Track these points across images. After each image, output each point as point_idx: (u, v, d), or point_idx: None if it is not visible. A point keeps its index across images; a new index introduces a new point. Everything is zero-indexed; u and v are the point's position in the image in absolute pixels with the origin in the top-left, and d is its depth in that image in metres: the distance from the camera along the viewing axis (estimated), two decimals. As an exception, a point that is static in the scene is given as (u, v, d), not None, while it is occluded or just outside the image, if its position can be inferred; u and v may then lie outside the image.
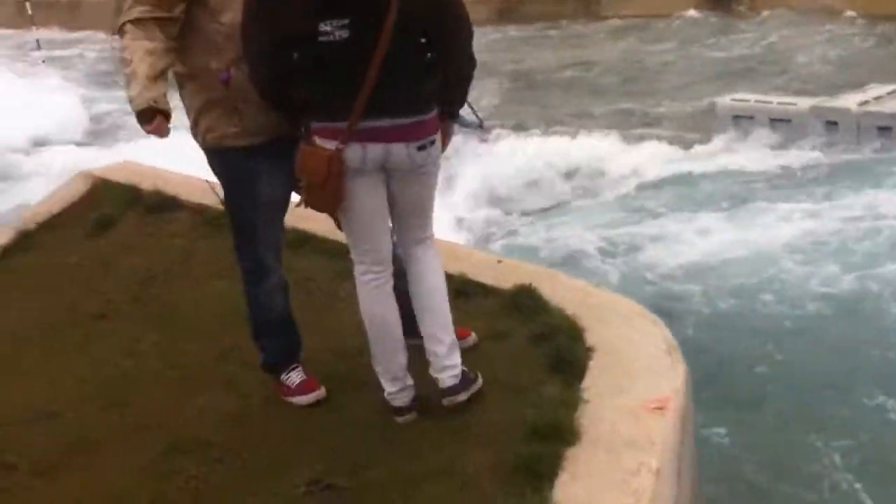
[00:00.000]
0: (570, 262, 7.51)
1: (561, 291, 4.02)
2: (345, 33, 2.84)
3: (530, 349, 3.62)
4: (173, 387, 3.73)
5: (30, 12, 17.67)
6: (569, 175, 10.21)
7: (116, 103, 13.64)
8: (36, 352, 4.22)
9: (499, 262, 4.41)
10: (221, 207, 5.05)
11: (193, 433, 3.31)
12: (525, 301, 3.92)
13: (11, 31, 21.51)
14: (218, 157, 3.20)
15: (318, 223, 4.08)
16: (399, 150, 3.00)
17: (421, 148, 3.02)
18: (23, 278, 4.97)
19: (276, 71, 2.94)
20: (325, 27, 2.84)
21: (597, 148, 10.31)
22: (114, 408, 3.62)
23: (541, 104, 13.26)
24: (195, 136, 3.23)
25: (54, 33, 19.88)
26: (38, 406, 3.75)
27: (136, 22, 2.98)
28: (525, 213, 9.44)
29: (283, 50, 2.90)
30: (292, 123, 3.03)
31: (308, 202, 3.06)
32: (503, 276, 4.19)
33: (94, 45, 20.04)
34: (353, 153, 2.97)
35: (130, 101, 3.02)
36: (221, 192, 5.21)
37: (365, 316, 3.22)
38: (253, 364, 3.72)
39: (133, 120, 3.20)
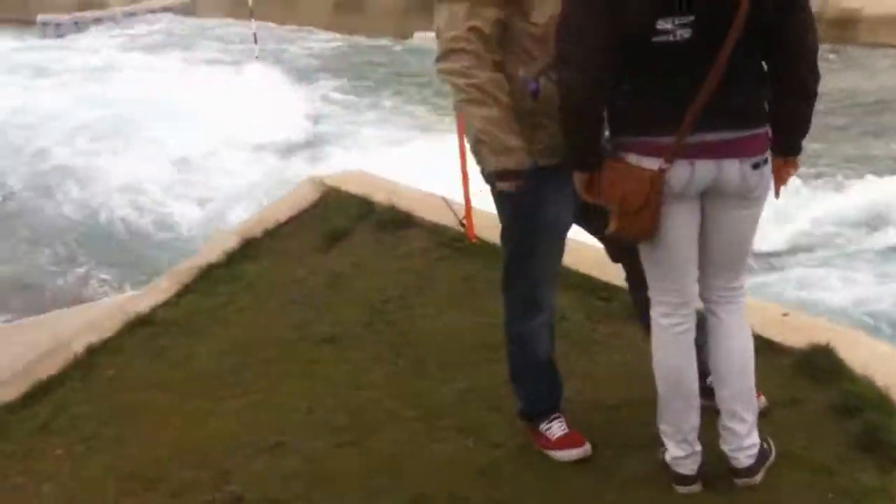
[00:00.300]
0: (865, 319, 7.02)
1: (864, 355, 3.73)
2: (686, 33, 2.69)
3: (831, 422, 3.38)
4: (411, 428, 3.70)
5: (250, 4, 18.46)
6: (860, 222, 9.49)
7: (335, 106, 14.12)
8: (260, 372, 4.31)
9: (784, 315, 4.15)
10: (461, 229, 5.09)
11: (441, 484, 3.26)
12: (821, 363, 3.67)
13: (231, 20, 22.68)
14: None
15: (568, 254, 3.98)
16: (731, 169, 2.82)
17: (755, 167, 2.84)
18: (248, 289, 5.12)
19: (598, 75, 2.76)
20: (664, 25, 2.69)
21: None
22: (347, 445, 3.63)
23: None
24: (471, 148, 3.13)
25: (271, 27, 20.71)
26: (263, 433, 3.82)
27: (465, 53, 2.88)
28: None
29: (610, 50, 2.74)
30: (594, 139, 2.87)
31: (618, 230, 2.90)
32: (791, 331, 3.94)
33: (311, 42, 20.74)
34: (680, 172, 2.80)
35: (481, 159, 2.93)
36: (461, 212, 5.24)
37: (658, 366, 3.08)
38: (499, 407, 3.67)
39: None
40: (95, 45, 21.34)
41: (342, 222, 5.43)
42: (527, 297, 3.27)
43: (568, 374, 3.68)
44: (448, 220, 5.22)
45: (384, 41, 20.37)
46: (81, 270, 8.92)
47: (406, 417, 3.79)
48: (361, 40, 20.55)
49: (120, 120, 13.41)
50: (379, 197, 5.54)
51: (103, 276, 8.69)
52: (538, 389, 3.41)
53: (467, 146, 3.18)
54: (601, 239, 3.36)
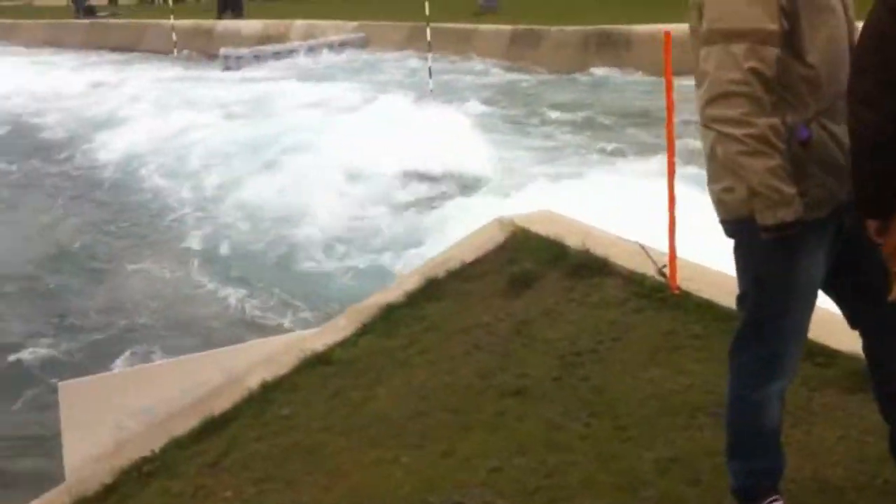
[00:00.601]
0: None
1: None
2: None
3: None
4: (610, 497, 3.40)
5: (428, 38, 18.59)
6: None
7: (512, 139, 13.94)
8: (443, 421, 4.11)
9: None
10: (661, 278, 4.78)
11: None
12: None
13: (407, 53, 22.97)
14: (753, 227, 2.74)
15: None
16: None
17: None
18: (429, 331, 4.93)
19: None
20: None
21: None
22: (542, 512, 3.34)
23: None
24: (719, 196, 2.83)
25: (447, 60, 20.84)
26: (445, 491, 3.63)
27: (743, 98, 2.62)
28: None
29: None
30: (891, 181, 2.53)
31: None
32: None
33: (487, 75, 20.74)
34: None
35: (756, 212, 2.67)
36: (660, 260, 4.93)
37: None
38: (700, 480, 3.36)
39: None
40: (273, 77, 21.91)
41: (531, 266, 5.18)
42: (768, 361, 2.93)
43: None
44: (646, 267, 4.91)
45: (562, 75, 20.23)
46: (255, 304, 8.85)
47: (604, 484, 3.49)
48: (541, 75, 20.42)
49: (291, 150, 13.57)
50: (571, 240, 5.27)
51: (277, 311, 8.59)
52: (760, 465, 3.05)
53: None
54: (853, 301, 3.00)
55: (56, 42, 34.38)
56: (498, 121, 15.62)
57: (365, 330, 5.16)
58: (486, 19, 24.66)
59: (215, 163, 13.62)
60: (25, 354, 8.06)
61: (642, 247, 5.12)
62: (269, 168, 12.86)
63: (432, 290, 5.27)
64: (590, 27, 21.66)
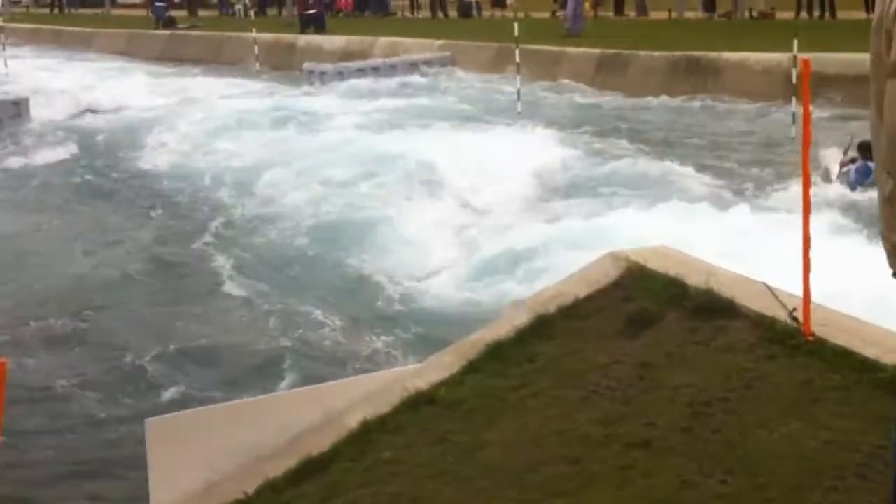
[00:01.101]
0: None
1: None
2: None
3: None
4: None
5: (517, 59, 18.50)
6: None
7: (607, 168, 13.69)
8: (563, 473, 3.94)
9: None
10: (792, 323, 4.53)
11: None
12: None
13: (493, 76, 22.91)
14: None
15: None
16: None
17: None
18: (542, 372, 4.75)
19: None
20: None
21: None
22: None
23: None
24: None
25: (531, 82, 20.69)
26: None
27: None
28: None
29: None
30: None
31: None
32: None
33: (575, 99, 20.57)
34: None
35: None
36: (790, 303, 4.68)
37: None
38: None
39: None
40: (358, 94, 21.98)
41: (650, 304, 4.96)
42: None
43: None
44: (774, 310, 4.67)
45: (651, 99, 19.99)
46: (352, 336, 8.58)
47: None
48: (631, 99, 20.20)
49: (377, 172, 13.49)
50: (692, 278, 5.04)
51: (375, 344, 8.32)
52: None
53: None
54: None
55: (134, 53, 34.90)
56: (591, 146, 15.36)
57: (471, 368, 4.99)
58: (572, 42, 24.48)
59: (301, 182, 13.49)
60: (109, 386, 7.93)
61: (769, 288, 4.88)
62: (359, 190, 12.70)
63: (543, 327, 5.08)
64: (678, 53, 21.46)
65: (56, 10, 50.60)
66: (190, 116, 19.81)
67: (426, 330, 8.30)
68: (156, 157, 16.86)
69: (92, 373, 8.18)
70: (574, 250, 8.22)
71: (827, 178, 12.40)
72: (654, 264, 5.28)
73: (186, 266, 11.04)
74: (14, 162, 17.14)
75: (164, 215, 13.37)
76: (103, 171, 16.43)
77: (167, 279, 10.64)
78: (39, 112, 21.07)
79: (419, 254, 10.17)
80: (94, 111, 21.97)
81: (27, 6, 55.54)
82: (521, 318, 5.20)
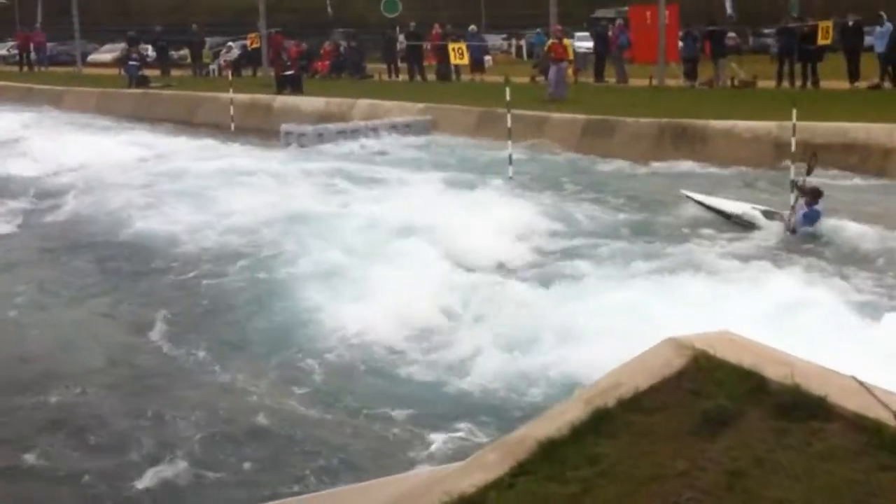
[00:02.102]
0: None
1: None
2: None
3: None
4: None
5: (509, 125, 18.15)
6: None
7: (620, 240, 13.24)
8: None
9: None
10: (897, 425, 3.99)
11: None
12: None
13: (479, 137, 22.62)
14: None
15: None
16: None
17: None
18: (607, 477, 4.17)
19: None
20: None
21: None
22: None
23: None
24: None
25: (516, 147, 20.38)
26: None
27: None
28: None
29: None
30: None
31: None
32: None
33: (564, 165, 20.27)
34: None
35: None
36: (891, 402, 4.14)
37: None
38: None
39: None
40: (341, 157, 21.52)
41: (724, 400, 4.40)
42: None
43: None
44: (873, 410, 4.13)
45: (640, 166, 19.74)
46: (380, 430, 7.63)
47: None
48: (621, 165, 19.90)
49: (369, 237, 12.94)
50: (769, 370, 4.49)
51: (406, 439, 7.38)
52: None
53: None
54: None
55: (105, 111, 34.31)
56: (595, 214, 14.94)
57: (522, 469, 4.40)
58: (556, 108, 24.23)
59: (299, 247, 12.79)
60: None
61: (860, 382, 4.34)
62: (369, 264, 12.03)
63: (602, 423, 4.50)
64: (664, 120, 21.30)
65: (25, 68, 49.88)
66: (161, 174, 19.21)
67: (461, 424, 7.55)
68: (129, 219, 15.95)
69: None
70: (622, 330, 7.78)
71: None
72: (722, 352, 4.73)
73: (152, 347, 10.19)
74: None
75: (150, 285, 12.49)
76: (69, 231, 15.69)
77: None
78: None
79: (443, 339, 9.42)
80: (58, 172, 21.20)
81: (-4, 63, 54.96)
82: (575, 412, 4.63)
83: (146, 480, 7.12)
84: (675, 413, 4.48)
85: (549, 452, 4.44)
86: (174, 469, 7.24)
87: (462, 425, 7.58)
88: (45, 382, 8.90)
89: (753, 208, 14.21)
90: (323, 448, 7.35)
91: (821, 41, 25.49)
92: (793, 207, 13.39)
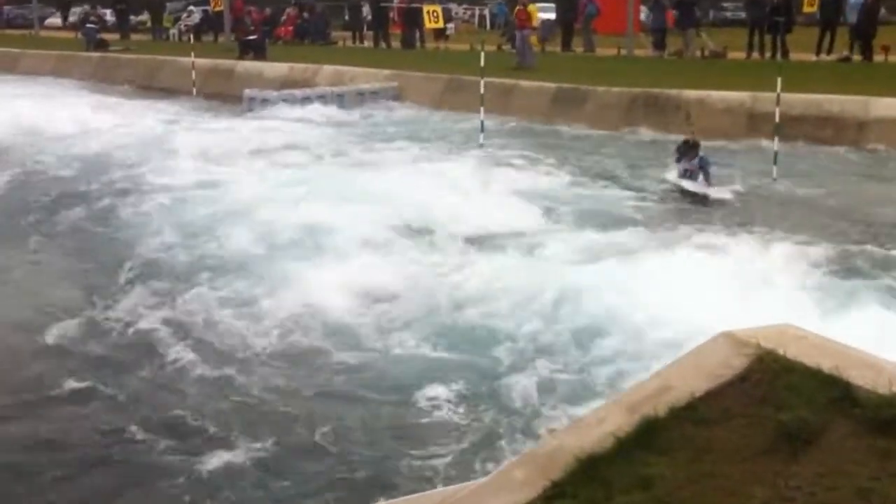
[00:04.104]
0: None
1: None
2: None
3: None
4: None
5: (481, 91, 17.28)
6: None
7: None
8: None
9: None
10: None
11: None
12: None
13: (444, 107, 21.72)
14: None
15: None
16: None
17: None
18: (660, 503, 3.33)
19: None
20: None
21: None
22: None
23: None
24: None
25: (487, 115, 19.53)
26: None
27: None
28: None
29: None
30: None
31: None
32: None
33: (535, 133, 19.41)
34: None
35: None
36: None
37: None
38: None
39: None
40: (310, 122, 20.56)
41: (802, 410, 3.59)
42: None
43: None
44: None
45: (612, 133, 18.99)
46: (389, 442, 6.46)
47: None
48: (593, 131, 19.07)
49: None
50: (853, 374, 3.68)
51: (416, 453, 6.17)
52: None
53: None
54: None
55: (62, 75, 32.92)
56: (567, 182, 14.10)
57: (557, 490, 3.58)
58: (524, 76, 23.34)
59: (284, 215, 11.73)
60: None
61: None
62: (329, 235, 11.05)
63: (651, 434, 3.69)
64: (637, 89, 20.52)
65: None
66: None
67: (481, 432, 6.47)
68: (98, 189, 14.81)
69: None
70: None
71: None
72: (791, 351, 3.91)
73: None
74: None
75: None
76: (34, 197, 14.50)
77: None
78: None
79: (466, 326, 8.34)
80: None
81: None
82: (617, 420, 3.81)
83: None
84: (742, 425, 3.67)
85: (590, 470, 3.62)
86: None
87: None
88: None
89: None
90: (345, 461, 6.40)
91: (806, 9, 24.93)
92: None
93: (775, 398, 3.70)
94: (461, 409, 6.89)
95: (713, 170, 13.69)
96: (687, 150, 13.74)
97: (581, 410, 5.94)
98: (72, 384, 7.60)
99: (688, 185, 13.51)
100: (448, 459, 6.14)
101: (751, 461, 3.47)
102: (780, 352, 3.90)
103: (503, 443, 6.25)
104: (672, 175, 13.91)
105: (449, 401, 7.03)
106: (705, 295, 7.63)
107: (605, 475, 3.58)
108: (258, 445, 6.52)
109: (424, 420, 6.82)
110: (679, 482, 3.46)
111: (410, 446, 6.38)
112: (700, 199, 13.14)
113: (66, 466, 6.39)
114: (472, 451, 6.15)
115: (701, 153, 13.69)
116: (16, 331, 8.95)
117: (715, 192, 13.20)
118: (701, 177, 13.50)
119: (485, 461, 5.84)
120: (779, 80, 14.39)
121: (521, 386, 7.05)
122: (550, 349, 7.58)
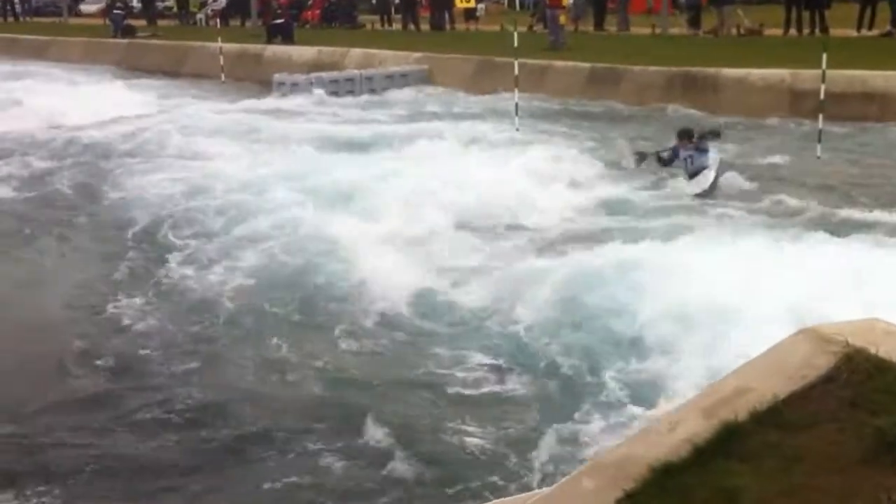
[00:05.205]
0: None
1: None
2: None
3: None
4: None
5: (515, 72, 16.94)
6: None
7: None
8: None
9: None
10: None
11: None
12: None
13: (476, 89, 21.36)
14: None
15: None
16: None
17: None
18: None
19: None
20: None
21: None
22: None
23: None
24: None
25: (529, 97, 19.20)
26: None
27: None
28: None
29: None
30: None
31: None
32: None
33: (567, 115, 19.05)
34: None
35: None
36: None
37: None
38: None
39: None
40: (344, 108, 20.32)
41: (900, 415, 3.28)
42: None
43: None
44: None
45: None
46: (444, 448, 6.06)
47: None
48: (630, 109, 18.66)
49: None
50: (955, 375, 3.37)
51: (472, 459, 5.78)
52: None
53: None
54: None
55: (92, 60, 32.82)
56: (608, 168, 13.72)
57: (630, 502, 3.29)
58: (558, 56, 22.96)
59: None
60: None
61: None
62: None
63: (733, 441, 3.38)
64: (673, 68, 20.10)
65: (11, 19, 48.18)
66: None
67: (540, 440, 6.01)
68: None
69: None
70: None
71: None
72: (881, 348, 3.59)
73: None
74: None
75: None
76: (67, 192, 14.20)
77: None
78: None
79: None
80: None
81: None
82: (692, 425, 3.51)
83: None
84: (833, 431, 3.36)
85: (666, 480, 3.33)
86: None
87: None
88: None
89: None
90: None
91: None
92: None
93: (868, 401, 3.39)
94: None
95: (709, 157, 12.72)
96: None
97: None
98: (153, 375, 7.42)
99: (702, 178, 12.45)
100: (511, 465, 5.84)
101: (847, 472, 3.16)
102: (871, 349, 3.58)
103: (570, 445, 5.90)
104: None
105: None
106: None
107: (682, 486, 3.28)
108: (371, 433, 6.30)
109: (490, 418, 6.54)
110: (768, 495, 3.16)
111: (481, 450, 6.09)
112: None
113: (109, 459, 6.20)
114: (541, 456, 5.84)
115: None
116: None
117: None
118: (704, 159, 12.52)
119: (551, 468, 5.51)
120: (824, 56, 13.94)
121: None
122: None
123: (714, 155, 12.57)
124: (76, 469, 6.09)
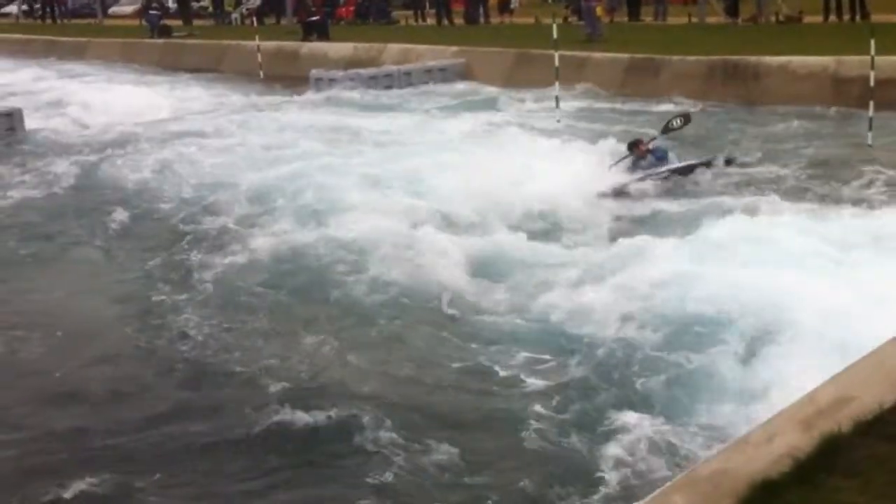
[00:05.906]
0: None
1: None
2: None
3: None
4: None
5: (556, 63, 16.72)
6: None
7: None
8: None
9: None
10: None
11: None
12: None
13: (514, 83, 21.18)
14: None
15: None
16: None
17: None
18: None
19: None
20: None
21: None
22: None
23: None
24: None
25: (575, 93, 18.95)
26: None
27: None
28: None
29: None
30: None
31: None
32: None
33: (611, 109, 18.76)
34: None
35: None
36: None
37: None
38: None
39: None
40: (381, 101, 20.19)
41: None
42: None
43: None
44: None
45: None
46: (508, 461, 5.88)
47: None
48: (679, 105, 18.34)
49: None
50: None
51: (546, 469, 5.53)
52: None
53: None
54: None
55: (130, 60, 32.89)
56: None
57: (730, 521, 3.08)
58: (595, 47, 22.66)
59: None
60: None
61: None
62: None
63: (837, 455, 3.17)
64: (713, 57, 19.73)
65: (49, 20, 48.42)
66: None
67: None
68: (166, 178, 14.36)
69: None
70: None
71: None
72: None
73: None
74: (6, 180, 14.94)
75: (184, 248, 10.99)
76: (100, 191, 14.12)
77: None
78: (35, 125, 19.00)
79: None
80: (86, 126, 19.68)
81: (17, 17, 53.39)
82: (790, 438, 3.30)
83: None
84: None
85: (765, 496, 3.11)
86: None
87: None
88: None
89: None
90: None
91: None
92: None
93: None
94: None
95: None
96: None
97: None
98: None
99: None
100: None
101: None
102: (978, 354, 3.35)
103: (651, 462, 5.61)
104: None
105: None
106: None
107: (783, 501, 3.07)
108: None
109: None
110: (879, 513, 2.95)
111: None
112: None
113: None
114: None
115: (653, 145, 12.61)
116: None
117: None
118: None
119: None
120: (871, 41, 13.60)
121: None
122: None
123: (673, 157, 12.46)
124: (139, 457, 6.18)
